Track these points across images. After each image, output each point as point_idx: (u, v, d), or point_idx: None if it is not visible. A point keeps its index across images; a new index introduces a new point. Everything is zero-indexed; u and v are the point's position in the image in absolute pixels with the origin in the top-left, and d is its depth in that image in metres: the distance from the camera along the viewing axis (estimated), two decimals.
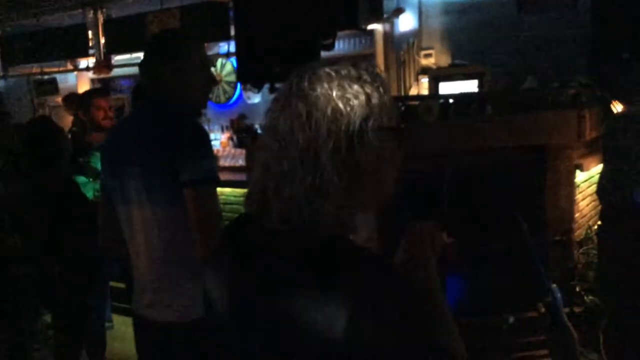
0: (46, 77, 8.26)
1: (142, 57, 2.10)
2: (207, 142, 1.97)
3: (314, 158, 0.91)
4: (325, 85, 0.95)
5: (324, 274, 0.91)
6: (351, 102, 0.94)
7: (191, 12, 5.94)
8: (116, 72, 7.33)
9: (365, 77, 0.98)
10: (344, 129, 0.92)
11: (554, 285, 1.64)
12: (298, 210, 0.93)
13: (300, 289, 0.92)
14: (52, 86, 8.23)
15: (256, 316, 0.96)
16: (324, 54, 3.94)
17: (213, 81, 2.19)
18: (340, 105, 0.93)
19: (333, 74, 0.97)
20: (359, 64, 1.01)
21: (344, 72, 0.97)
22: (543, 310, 1.56)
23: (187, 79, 2.02)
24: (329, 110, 0.92)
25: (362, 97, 0.95)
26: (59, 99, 7.90)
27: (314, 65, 1.00)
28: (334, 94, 0.94)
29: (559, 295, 1.54)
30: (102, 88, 6.99)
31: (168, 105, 2.01)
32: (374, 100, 0.96)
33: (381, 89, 0.98)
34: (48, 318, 4.06)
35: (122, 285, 3.75)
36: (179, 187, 1.88)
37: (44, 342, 3.90)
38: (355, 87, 0.95)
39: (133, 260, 2.10)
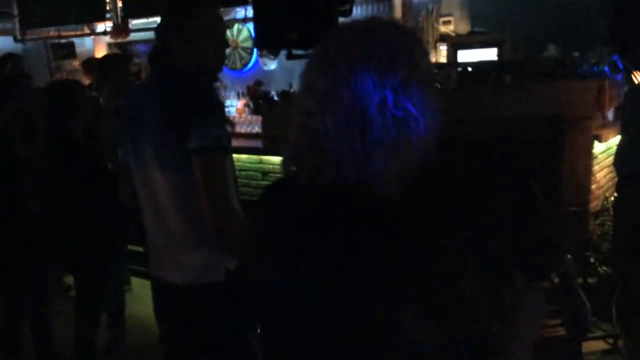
0: (63, 40, 8.26)
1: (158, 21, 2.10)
2: (217, 109, 1.96)
3: (360, 114, 0.89)
4: (368, 38, 0.93)
5: (385, 235, 0.88)
6: (395, 55, 0.91)
7: None
8: (133, 36, 7.31)
9: (405, 30, 0.97)
10: (390, 81, 0.89)
11: (568, 256, 1.65)
12: (346, 169, 0.90)
13: (364, 250, 0.88)
14: (69, 50, 8.23)
15: (319, 282, 0.91)
16: (341, 19, 3.90)
17: (226, 44, 2.18)
18: (385, 57, 0.91)
19: (372, 28, 0.95)
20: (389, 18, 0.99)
21: (383, 27, 0.95)
22: (557, 280, 1.57)
23: (199, 42, 2.02)
24: (373, 64, 0.90)
25: (406, 49, 0.93)
26: (76, 63, 7.91)
27: (347, 23, 0.98)
28: (377, 47, 0.91)
29: (572, 265, 1.55)
30: (123, 54, 6.98)
31: (183, 70, 2.01)
32: (417, 52, 0.95)
33: (422, 42, 0.98)
34: (68, 280, 4.16)
35: (140, 249, 3.81)
36: (189, 153, 1.90)
37: (65, 302, 4.00)
38: (399, 39, 0.94)
39: (147, 222, 2.14)
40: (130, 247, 4.09)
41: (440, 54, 5.35)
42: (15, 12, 8.34)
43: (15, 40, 8.40)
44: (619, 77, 3.82)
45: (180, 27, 2.00)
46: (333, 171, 0.91)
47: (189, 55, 2.02)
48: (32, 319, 3.49)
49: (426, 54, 0.98)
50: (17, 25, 8.35)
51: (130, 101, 2.19)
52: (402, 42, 0.94)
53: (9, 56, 5.25)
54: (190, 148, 1.89)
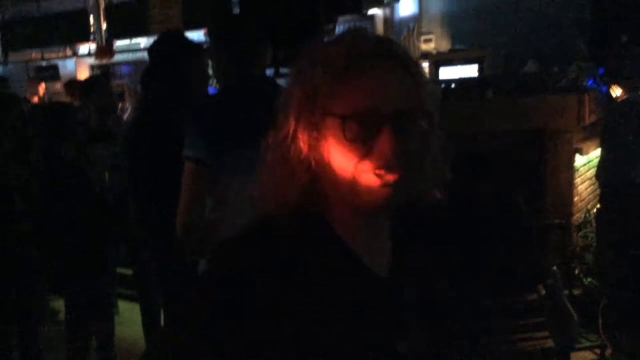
0: (46, 62, 8.26)
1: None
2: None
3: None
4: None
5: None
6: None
7: None
8: (116, 58, 7.34)
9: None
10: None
11: (554, 268, 1.69)
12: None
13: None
14: (53, 72, 8.24)
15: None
16: (326, 39, 3.95)
17: None
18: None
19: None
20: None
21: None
22: (543, 292, 1.61)
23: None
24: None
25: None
26: (58, 86, 7.90)
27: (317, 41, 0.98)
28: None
29: (558, 277, 1.59)
30: (105, 74, 6.99)
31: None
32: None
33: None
34: (56, 305, 4.13)
35: (128, 271, 3.80)
36: None
37: (53, 328, 3.97)
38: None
39: None
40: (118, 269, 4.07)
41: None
42: None
43: None
44: (604, 88, 3.89)
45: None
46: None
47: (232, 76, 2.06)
48: (21, 345, 3.45)
49: None
50: (0, 48, 8.35)
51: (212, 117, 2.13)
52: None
53: None
54: None
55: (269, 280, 0.86)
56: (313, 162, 0.88)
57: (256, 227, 0.93)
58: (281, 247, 0.88)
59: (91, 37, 7.17)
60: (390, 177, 0.84)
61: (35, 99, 6.10)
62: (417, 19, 5.67)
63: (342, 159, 0.86)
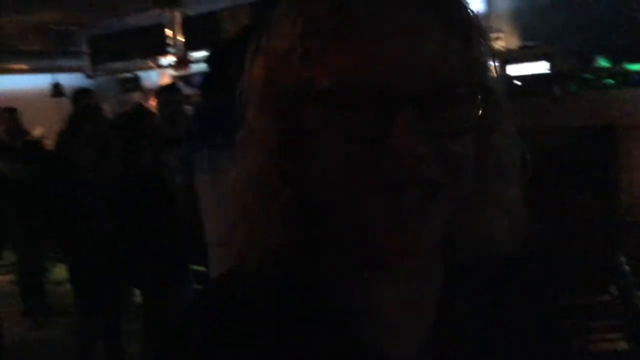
0: (130, 74, 8.75)
1: None
2: None
3: None
4: None
5: None
6: None
7: (260, 7, 6.14)
8: (193, 68, 7.67)
9: None
10: None
11: (627, 268, 1.65)
12: None
13: None
14: (135, 83, 8.71)
15: None
16: None
17: None
18: None
19: None
20: None
21: None
22: (615, 293, 1.57)
23: None
24: None
25: None
26: (139, 96, 8.36)
27: None
28: None
29: (630, 277, 1.56)
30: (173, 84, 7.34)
31: None
32: None
33: None
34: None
35: (202, 269, 3.99)
36: None
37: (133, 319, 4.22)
38: None
39: None
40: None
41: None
42: (86, 50, 8.91)
43: (87, 76, 8.97)
44: None
45: None
46: None
47: None
48: (105, 338, 3.70)
49: None
50: (88, 62, 8.91)
51: None
52: None
53: (82, 91, 5.62)
54: None
55: None
56: (293, 180, 0.54)
57: (225, 287, 0.63)
58: (252, 320, 0.57)
59: (170, 50, 7.54)
60: (415, 203, 0.50)
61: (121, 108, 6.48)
62: (485, 16, 5.61)
63: (331, 173, 0.51)
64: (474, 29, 0.56)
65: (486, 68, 0.58)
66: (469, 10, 0.56)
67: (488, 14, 5.64)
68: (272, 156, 0.54)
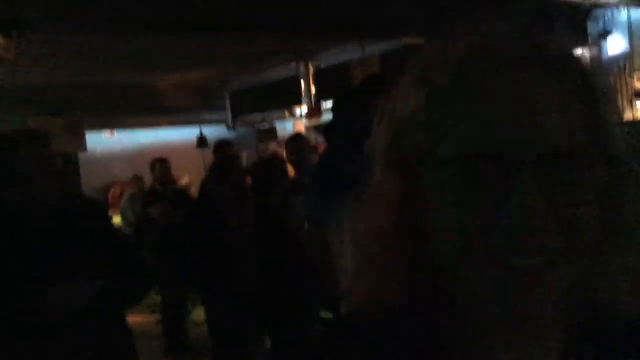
0: (267, 125, 9.20)
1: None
2: None
3: None
4: None
5: None
6: None
7: (389, 58, 6.26)
8: (325, 117, 7.91)
9: None
10: None
11: None
12: None
13: None
14: (272, 133, 9.14)
15: None
16: None
17: None
18: None
19: None
20: None
21: None
22: None
23: None
24: None
25: None
26: (275, 145, 8.76)
27: None
28: None
29: None
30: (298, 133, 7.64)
31: None
32: None
33: None
34: None
35: (329, 315, 4.02)
36: None
37: None
38: None
39: None
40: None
41: (638, 111, 5.03)
42: (228, 104, 9.52)
43: (228, 127, 9.55)
44: None
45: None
46: None
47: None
48: None
49: None
50: (229, 115, 9.50)
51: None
52: None
53: (223, 142, 5.99)
54: None
55: None
56: (417, 236, 0.56)
57: (341, 328, 0.66)
58: None
59: (303, 100, 7.85)
60: (532, 269, 0.50)
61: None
62: (628, 55, 5.29)
63: (444, 236, 0.53)
64: (598, 93, 0.55)
65: (611, 134, 0.55)
66: (593, 75, 0.56)
67: (631, 53, 5.33)
68: (398, 212, 0.57)
